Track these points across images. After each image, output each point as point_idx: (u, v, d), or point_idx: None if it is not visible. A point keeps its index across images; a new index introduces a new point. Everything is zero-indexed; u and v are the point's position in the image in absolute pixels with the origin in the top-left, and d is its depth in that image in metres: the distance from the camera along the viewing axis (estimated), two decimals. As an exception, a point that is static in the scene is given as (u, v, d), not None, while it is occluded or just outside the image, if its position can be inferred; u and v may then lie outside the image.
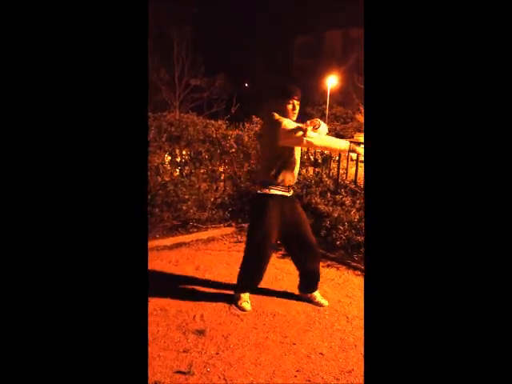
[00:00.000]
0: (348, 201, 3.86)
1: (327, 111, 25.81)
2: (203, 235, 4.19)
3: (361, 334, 2.48)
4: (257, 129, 4.84)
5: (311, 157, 4.79)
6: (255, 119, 4.96)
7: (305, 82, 29.52)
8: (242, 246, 3.98)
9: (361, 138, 23.57)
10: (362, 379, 2.06)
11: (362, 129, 24.91)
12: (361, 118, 24.57)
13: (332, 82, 26.23)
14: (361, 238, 3.52)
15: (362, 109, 24.19)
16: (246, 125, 4.93)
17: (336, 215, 3.69)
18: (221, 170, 4.80)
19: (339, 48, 34.33)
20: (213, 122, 4.79)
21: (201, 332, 2.40)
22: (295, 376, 2.07)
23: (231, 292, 2.88)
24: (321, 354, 2.27)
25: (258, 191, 2.63)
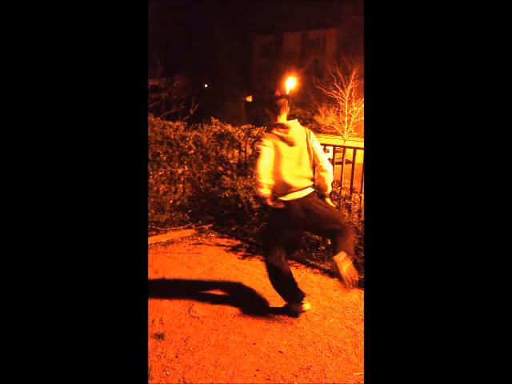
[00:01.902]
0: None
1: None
2: (162, 238, 4.14)
3: (319, 330, 2.53)
4: (215, 130, 4.83)
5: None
6: (214, 120, 4.95)
7: (264, 83, 29.74)
8: (202, 248, 3.99)
9: (319, 138, 24.01)
10: (320, 375, 2.10)
11: (321, 130, 25.42)
12: (319, 119, 25.03)
13: (291, 83, 26.57)
14: (318, 237, 3.59)
15: (320, 110, 24.65)
16: (205, 126, 4.91)
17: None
18: (180, 171, 4.75)
19: (298, 49, 34.82)
20: (171, 123, 4.73)
21: (160, 336, 2.38)
22: (255, 375, 2.08)
23: (191, 294, 2.86)
24: (280, 352, 2.30)
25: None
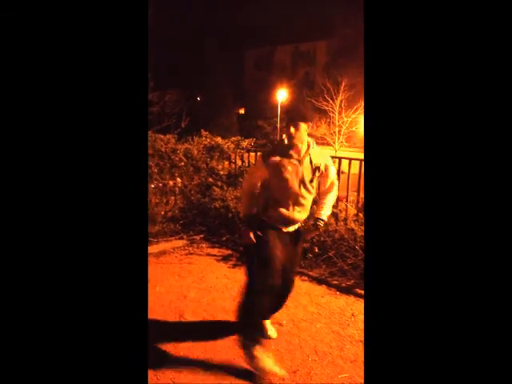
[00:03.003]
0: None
1: (278, 124, 26.36)
2: (154, 249, 4.20)
3: (306, 335, 2.61)
4: (205, 142, 4.94)
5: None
6: (204, 133, 5.06)
7: (256, 95, 30.05)
8: (193, 258, 4.06)
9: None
10: (306, 378, 2.18)
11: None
12: (310, 130, 25.20)
13: (282, 95, 26.88)
14: (306, 245, 3.69)
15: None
16: (195, 138, 5.02)
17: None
18: (171, 183, 4.84)
19: (289, 62, 35.29)
20: (161, 136, 4.84)
21: (153, 342, 2.44)
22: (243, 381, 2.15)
23: (182, 302, 2.94)
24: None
25: None
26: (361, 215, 3.80)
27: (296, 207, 2.28)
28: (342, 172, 4.16)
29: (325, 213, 2.40)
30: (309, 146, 2.26)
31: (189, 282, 3.47)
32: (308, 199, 2.32)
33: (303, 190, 2.26)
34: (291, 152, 2.22)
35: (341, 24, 29.24)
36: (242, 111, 31.86)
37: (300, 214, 2.32)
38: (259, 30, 35.46)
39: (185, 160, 4.68)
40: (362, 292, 3.20)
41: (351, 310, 2.98)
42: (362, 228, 3.67)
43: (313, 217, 2.45)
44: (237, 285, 3.39)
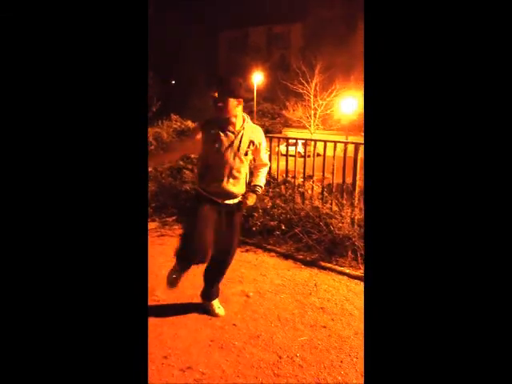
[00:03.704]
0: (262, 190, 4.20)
1: (255, 107, 26.35)
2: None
3: (271, 304, 2.80)
4: (175, 126, 5.03)
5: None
6: (174, 117, 5.14)
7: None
8: (165, 239, 4.19)
9: (288, 133, 24.39)
10: (268, 342, 2.36)
11: (290, 124, 25.84)
12: (287, 113, 25.40)
13: (258, 78, 26.79)
14: (274, 223, 3.86)
15: (288, 104, 25.00)
16: (165, 122, 5.10)
17: (251, 203, 4.01)
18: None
19: (264, 44, 35.06)
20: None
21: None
22: (209, 345, 2.32)
23: (153, 281, 3.06)
24: (234, 324, 2.54)
25: None
26: (326, 194, 3.99)
27: (230, 179, 2.40)
28: (318, 154, 4.36)
29: (261, 180, 2.58)
30: (244, 121, 2.41)
31: (161, 261, 3.59)
32: (242, 173, 2.44)
33: (237, 163, 2.39)
34: (226, 125, 2.36)
35: (316, 6, 29.14)
36: (216, 94, 31.60)
37: (235, 188, 2.43)
38: (233, 11, 35.06)
39: (155, 143, 4.77)
40: (326, 264, 3.41)
41: (314, 281, 3.17)
42: (327, 206, 3.86)
43: (250, 186, 2.57)
44: (207, 262, 3.55)
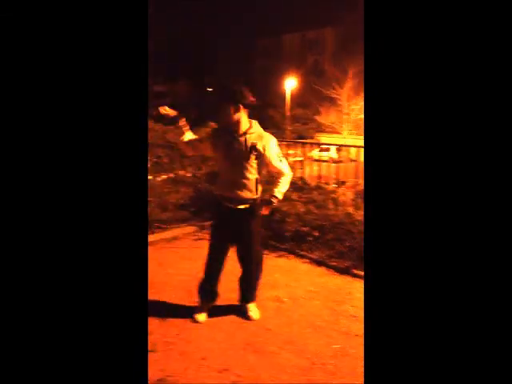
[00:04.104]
0: (295, 196, 4.27)
1: (288, 113, 26.41)
2: (166, 235, 4.47)
3: (304, 311, 2.86)
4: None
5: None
6: (211, 124, 5.28)
7: (265, 84, 30.01)
8: (203, 243, 4.29)
9: (321, 138, 24.30)
10: (302, 348, 2.42)
11: (322, 129, 25.73)
12: (320, 118, 25.31)
13: (291, 83, 26.84)
14: (307, 229, 3.92)
15: (320, 109, 24.92)
16: (202, 129, 5.25)
17: (285, 209, 4.08)
18: (181, 173, 5.09)
19: (297, 51, 35.10)
20: (172, 127, 5.07)
21: (163, 318, 2.71)
22: (244, 348, 2.41)
23: (192, 284, 3.18)
24: (268, 329, 2.62)
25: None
26: (359, 200, 4.01)
27: (237, 184, 2.48)
28: (351, 160, 4.39)
29: (278, 190, 2.58)
30: (250, 127, 2.47)
31: (199, 264, 3.70)
32: (249, 178, 2.47)
33: (242, 167, 2.45)
34: (230, 131, 2.45)
35: (348, 10, 28.93)
36: (252, 100, 31.94)
37: (243, 193, 2.49)
38: (267, 19, 35.28)
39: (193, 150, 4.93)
40: (359, 273, 3.43)
41: (348, 289, 3.21)
42: (359, 212, 3.88)
43: (269, 194, 2.62)
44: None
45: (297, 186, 4.53)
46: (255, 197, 2.53)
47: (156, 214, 4.59)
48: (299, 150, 5.14)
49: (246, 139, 2.44)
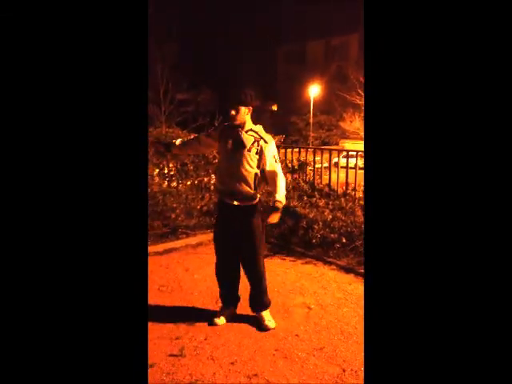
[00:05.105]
0: (322, 203, 4.24)
1: (311, 120, 26.35)
2: (192, 240, 4.50)
3: (332, 317, 2.81)
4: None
5: (289, 164, 5.17)
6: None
7: (289, 91, 30.10)
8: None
9: (346, 144, 24.12)
10: (331, 355, 2.38)
11: (347, 136, 25.54)
12: (344, 125, 25.16)
13: (315, 90, 26.80)
14: (334, 236, 3.87)
15: (345, 116, 24.77)
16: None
17: (312, 216, 4.05)
18: (206, 180, 5.12)
19: (321, 56, 35.04)
20: (196, 135, 5.13)
21: (191, 323, 2.71)
22: (273, 354, 2.38)
23: (217, 288, 3.19)
24: (296, 335, 2.59)
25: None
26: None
27: (236, 178, 2.56)
28: None
29: (279, 194, 2.58)
30: (254, 127, 2.60)
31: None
32: (248, 171, 2.55)
33: (242, 161, 2.53)
34: (236, 129, 2.57)
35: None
36: (274, 108, 32.05)
37: (241, 187, 2.56)
38: (289, 26, 35.37)
39: (218, 157, 4.95)
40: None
41: (377, 296, 3.14)
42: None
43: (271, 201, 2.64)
44: (268, 273, 3.61)
45: (323, 192, 4.49)
46: (253, 192, 2.59)
47: (182, 220, 4.64)
48: (324, 157, 5.10)
49: (247, 135, 2.57)
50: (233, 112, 2.53)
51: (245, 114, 2.55)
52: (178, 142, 2.83)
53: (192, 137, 2.83)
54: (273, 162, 2.61)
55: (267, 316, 2.74)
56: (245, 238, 2.67)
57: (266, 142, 2.58)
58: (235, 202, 2.60)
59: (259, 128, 2.64)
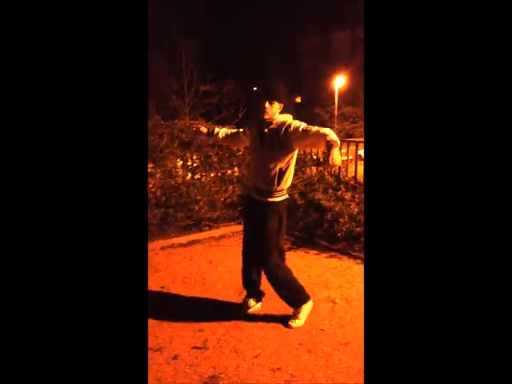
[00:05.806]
0: (348, 196, 4.16)
1: (336, 111, 25.99)
2: (215, 233, 4.50)
3: (358, 312, 2.75)
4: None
5: (314, 156, 5.09)
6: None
7: (314, 83, 29.77)
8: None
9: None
10: (357, 350, 2.32)
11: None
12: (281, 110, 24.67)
13: (340, 82, 26.41)
14: (360, 230, 3.79)
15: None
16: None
17: (337, 209, 3.98)
18: (229, 172, 5.10)
19: (347, 48, 34.45)
20: (220, 127, 5.11)
21: (213, 315, 2.70)
22: (298, 348, 2.35)
23: (240, 280, 3.17)
24: (321, 329, 2.55)
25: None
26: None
27: (260, 174, 2.54)
28: None
29: (330, 135, 2.24)
30: (283, 121, 2.46)
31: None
32: (270, 168, 2.46)
33: (265, 158, 2.49)
34: (265, 124, 2.49)
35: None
36: (298, 100, 31.80)
37: (263, 183, 2.52)
38: (316, 17, 34.89)
39: (242, 149, 4.92)
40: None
41: (404, 291, 3.06)
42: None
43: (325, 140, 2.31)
44: (292, 266, 3.55)
45: (349, 185, 4.41)
46: (274, 188, 2.51)
47: (205, 213, 4.64)
48: (350, 149, 4.99)
49: (273, 131, 2.48)
50: (267, 105, 2.44)
51: (277, 110, 2.48)
52: (221, 132, 2.80)
53: (235, 131, 2.82)
54: (305, 126, 2.41)
55: (299, 313, 2.64)
56: (259, 235, 2.59)
57: (287, 125, 2.44)
58: (256, 196, 2.59)
59: (287, 117, 2.51)
